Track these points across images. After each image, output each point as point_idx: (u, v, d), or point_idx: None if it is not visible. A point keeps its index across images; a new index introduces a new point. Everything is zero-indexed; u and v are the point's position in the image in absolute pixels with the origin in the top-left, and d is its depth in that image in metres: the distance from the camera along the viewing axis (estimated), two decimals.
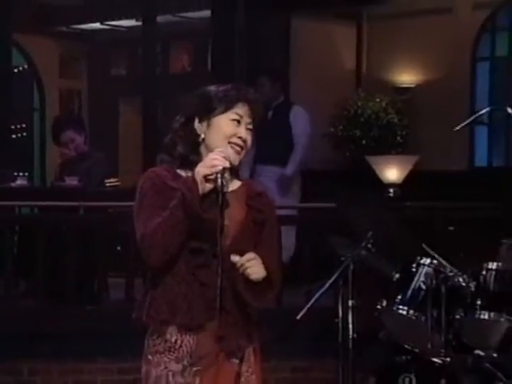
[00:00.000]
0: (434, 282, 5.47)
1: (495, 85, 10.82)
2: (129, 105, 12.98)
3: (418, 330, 5.50)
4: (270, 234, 3.45)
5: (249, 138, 3.42)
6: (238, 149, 3.39)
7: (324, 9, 10.87)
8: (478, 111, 10.83)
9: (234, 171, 3.42)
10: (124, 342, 6.66)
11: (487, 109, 6.61)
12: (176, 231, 3.25)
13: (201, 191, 3.25)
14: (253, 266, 3.26)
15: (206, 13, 10.81)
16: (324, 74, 10.94)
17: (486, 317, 5.36)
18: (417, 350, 5.48)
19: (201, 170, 3.27)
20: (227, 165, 3.27)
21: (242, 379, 3.37)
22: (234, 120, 3.40)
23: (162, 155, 3.48)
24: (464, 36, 10.74)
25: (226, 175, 3.28)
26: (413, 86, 10.88)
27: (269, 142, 8.13)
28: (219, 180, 3.25)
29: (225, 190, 3.27)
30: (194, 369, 3.31)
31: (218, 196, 3.27)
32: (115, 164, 10.86)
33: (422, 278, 5.49)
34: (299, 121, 8.78)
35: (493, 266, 5.44)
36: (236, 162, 3.40)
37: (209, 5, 10.73)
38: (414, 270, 5.53)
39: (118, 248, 8.30)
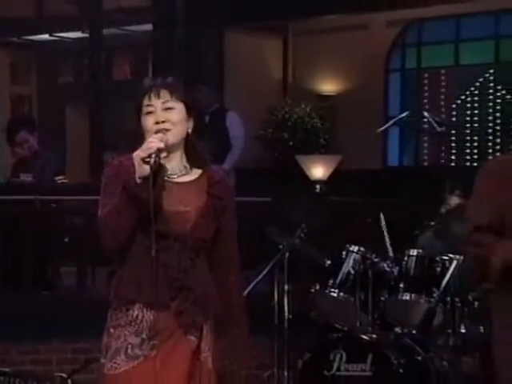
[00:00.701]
0: (362, 267, 5.53)
1: (405, 93, 10.95)
2: (75, 110, 12.85)
3: (347, 310, 5.55)
4: (230, 221, 3.36)
5: (170, 115, 3.22)
6: (164, 131, 3.20)
7: (253, 23, 10.89)
8: (390, 116, 11.06)
9: (195, 161, 3.33)
10: (77, 325, 6.69)
11: (406, 113, 6.68)
12: (123, 216, 3.13)
13: (139, 174, 3.07)
14: None
15: (148, 26, 10.83)
16: (254, 83, 10.98)
17: (408, 298, 5.44)
18: (346, 329, 5.53)
19: (138, 153, 3.10)
20: (162, 145, 3.11)
21: (202, 356, 3.27)
22: (148, 113, 3.24)
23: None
24: (378, 50, 10.89)
25: (163, 155, 3.15)
26: (334, 94, 11.00)
27: (206, 143, 8.14)
28: (152, 160, 3.06)
29: (157, 167, 3.10)
30: (152, 342, 3.20)
31: (164, 181, 3.16)
32: (63, 163, 10.74)
33: (350, 264, 5.55)
34: (235, 125, 8.81)
35: (413, 252, 5.51)
36: (173, 141, 3.22)
37: (151, 19, 10.72)
38: (343, 256, 5.58)
39: (66, 239, 8.20)
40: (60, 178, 8.01)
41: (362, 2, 10.21)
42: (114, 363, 3.22)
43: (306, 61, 11.20)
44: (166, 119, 3.23)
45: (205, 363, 3.26)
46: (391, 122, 7.07)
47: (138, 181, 3.08)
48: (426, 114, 6.06)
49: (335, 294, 5.52)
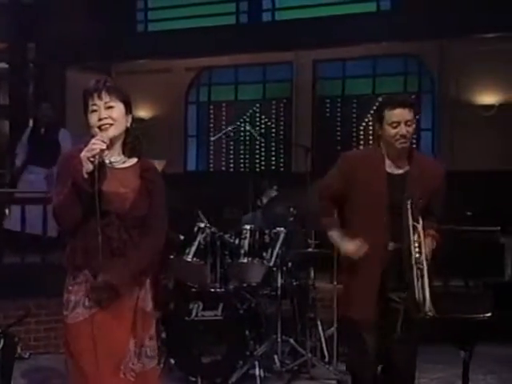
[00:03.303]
0: (210, 238, 5.19)
1: (200, 118, 10.64)
2: None
3: (200, 272, 5.19)
4: (159, 202, 2.97)
5: (111, 112, 2.82)
6: (106, 126, 2.81)
7: (82, 63, 10.22)
8: (189, 135, 10.80)
9: (131, 150, 2.92)
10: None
11: (234, 126, 6.42)
12: (73, 203, 2.74)
13: (86, 170, 2.70)
14: None
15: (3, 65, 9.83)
16: None
17: (245, 261, 5.17)
18: (197, 286, 5.17)
19: (84, 154, 2.72)
20: (104, 147, 2.73)
21: (140, 302, 2.89)
22: (93, 111, 2.83)
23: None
24: (180, 87, 10.53)
25: (106, 154, 2.77)
26: (146, 118, 10.51)
27: (41, 150, 7.66)
28: (96, 160, 2.70)
29: (107, 164, 2.78)
30: (104, 296, 2.80)
31: (105, 174, 2.76)
32: None
33: (202, 237, 5.20)
34: (66, 140, 8.13)
35: (247, 227, 5.25)
36: (114, 133, 2.82)
37: (5, 59, 9.76)
38: (195, 231, 5.22)
39: None
40: None
41: (163, 51, 9.87)
42: (76, 314, 2.83)
43: None
44: (107, 116, 2.83)
45: (143, 307, 2.91)
46: (222, 133, 6.78)
47: (85, 176, 2.72)
48: (248, 127, 5.83)
49: (190, 259, 5.15)
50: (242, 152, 10.35)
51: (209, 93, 10.60)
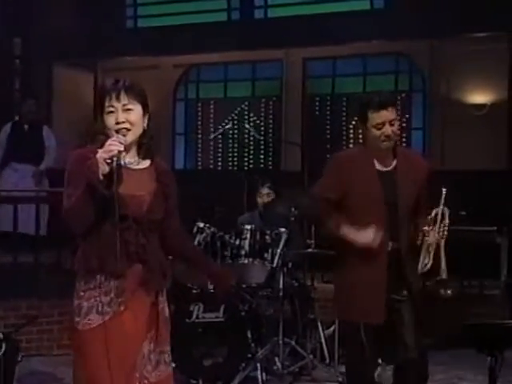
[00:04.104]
0: (210, 239, 5.13)
1: (188, 116, 10.53)
2: None
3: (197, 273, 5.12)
4: (175, 204, 2.94)
5: (129, 116, 2.74)
6: (124, 131, 2.72)
7: (70, 59, 10.09)
8: (177, 133, 10.69)
9: (146, 150, 2.84)
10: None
11: (229, 125, 6.33)
12: (88, 206, 2.64)
13: (102, 172, 2.60)
14: None
15: None
16: (75, 106, 10.18)
17: (246, 262, 5.12)
18: (196, 287, 5.09)
19: (101, 155, 2.61)
20: (122, 148, 2.63)
21: (160, 307, 2.84)
22: (110, 112, 2.74)
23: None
24: (168, 84, 10.40)
25: (123, 155, 2.66)
26: None
27: (25, 147, 7.52)
28: (114, 163, 2.60)
29: (123, 165, 2.67)
30: (119, 300, 2.73)
31: (122, 176, 2.66)
32: None
33: (201, 237, 5.13)
34: (50, 136, 8.03)
35: (248, 227, 5.19)
36: (132, 139, 2.75)
37: None
38: (194, 231, 5.15)
39: None
40: None
41: (154, 48, 9.76)
42: (88, 320, 2.73)
43: None
44: (125, 119, 2.74)
45: (162, 313, 2.85)
46: (219, 131, 6.68)
47: (101, 178, 2.61)
48: (246, 126, 5.74)
49: None
50: (230, 150, 10.28)
51: (197, 90, 10.51)
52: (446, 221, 3.49)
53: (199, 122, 10.54)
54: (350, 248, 3.49)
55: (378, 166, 3.55)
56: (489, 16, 8.17)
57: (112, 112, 2.73)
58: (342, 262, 3.58)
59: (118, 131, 2.72)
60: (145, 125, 2.82)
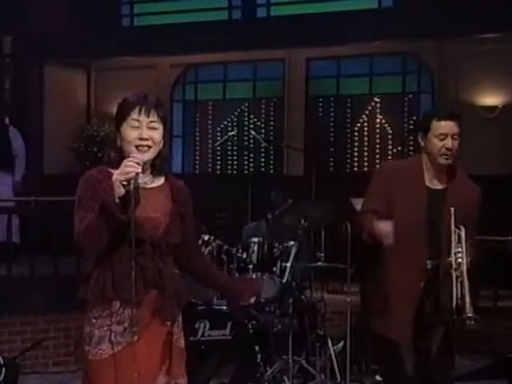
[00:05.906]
0: (216, 252, 5.01)
1: (185, 118, 10.40)
2: None
3: (202, 287, 4.99)
4: (192, 224, 2.84)
5: (154, 134, 2.64)
6: (145, 148, 2.63)
7: (62, 59, 9.98)
8: (174, 135, 10.55)
9: (159, 170, 2.73)
10: None
11: (234, 131, 6.23)
12: (101, 230, 2.53)
13: (118, 194, 2.49)
14: None
15: None
16: (67, 105, 10.09)
17: (254, 276, 4.99)
18: (201, 303, 4.97)
19: (117, 177, 2.50)
20: (139, 170, 2.51)
21: (174, 337, 2.74)
22: (133, 127, 2.63)
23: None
24: (165, 84, 10.26)
25: (140, 177, 2.54)
26: None
27: None
28: (131, 185, 2.49)
29: (139, 187, 2.53)
30: (133, 330, 2.62)
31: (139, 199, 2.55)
32: None
33: (206, 250, 5.00)
34: (18, 138, 7.85)
35: (255, 239, 5.07)
36: (151, 157, 2.66)
37: None
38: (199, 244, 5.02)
39: None
40: None
41: (151, 47, 9.63)
42: (99, 350, 2.63)
43: (106, 92, 10.32)
44: (150, 137, 2.64)
45: (177, 343, 2.76)
46: (224, 138, 6.58)
47: (117, 200, 2.49)
48: (252, 132, 5.64)
49: None
50: (229, 153, 10.16)
51: (195, 91, 10.38)
52: (463, 244, 3.34)
53: (197, 124, 10.42)
54: (389, 259, 3.41)
55: (428, 183, 3.48)
56: (499, 16, 8.08)
57: (137, 127, 2.64)
58: (381, 273, 3.50)
59: (137, 147, 2.62)
60: (161, 145, 2.72)
